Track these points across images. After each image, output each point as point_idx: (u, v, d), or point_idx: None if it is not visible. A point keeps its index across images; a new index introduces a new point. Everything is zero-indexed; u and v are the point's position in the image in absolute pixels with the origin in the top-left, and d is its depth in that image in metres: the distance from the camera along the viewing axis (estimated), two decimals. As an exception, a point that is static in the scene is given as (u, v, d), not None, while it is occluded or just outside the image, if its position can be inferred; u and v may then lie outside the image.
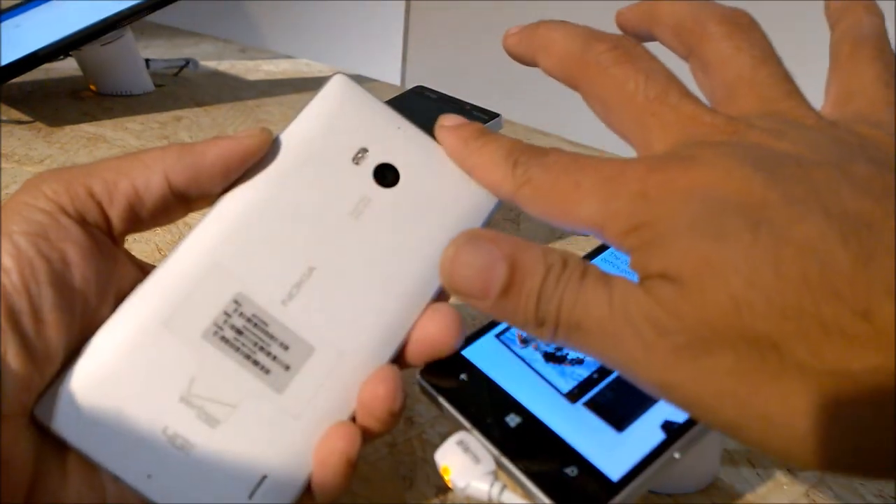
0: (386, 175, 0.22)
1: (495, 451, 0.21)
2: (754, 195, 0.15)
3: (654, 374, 0.16)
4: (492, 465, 0.21)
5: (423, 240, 0.22)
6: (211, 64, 0.85)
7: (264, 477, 0.20)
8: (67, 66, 0.73)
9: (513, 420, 0.22)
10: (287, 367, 0.20)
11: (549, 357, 0.25)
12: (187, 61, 0.79)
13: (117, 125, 0.63)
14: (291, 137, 0.22)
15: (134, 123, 0.63)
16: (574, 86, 0.21)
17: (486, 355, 0.25)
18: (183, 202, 0.22)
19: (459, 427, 0.22)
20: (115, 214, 0.21)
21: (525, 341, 0.25)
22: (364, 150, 0.22)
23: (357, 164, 0.22)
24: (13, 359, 0.18)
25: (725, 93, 0.20)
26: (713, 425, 0.15)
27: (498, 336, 0.25)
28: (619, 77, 0.19)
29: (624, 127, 0.20)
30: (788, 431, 0.14)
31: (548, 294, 0.17)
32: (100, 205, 0.21)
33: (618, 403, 0.23)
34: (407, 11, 0.84)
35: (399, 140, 0.23)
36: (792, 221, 0.14)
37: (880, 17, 0.22)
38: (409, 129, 0.23)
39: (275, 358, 0.20)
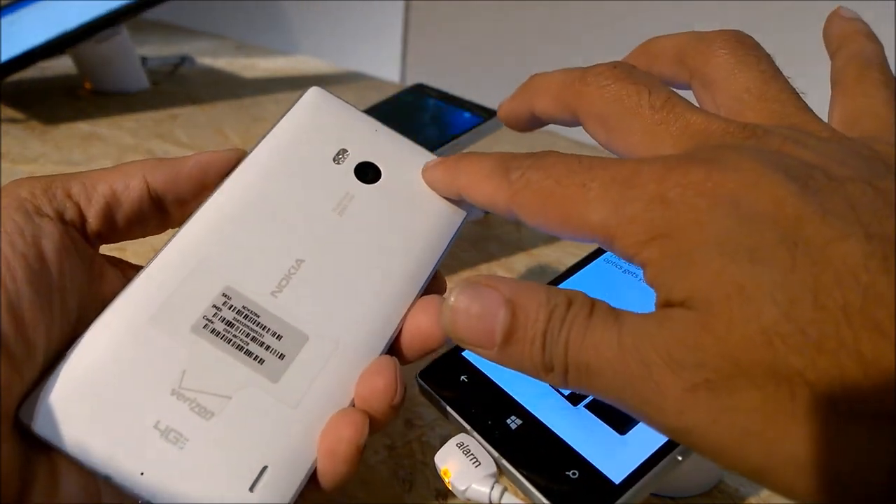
0: (367, 173, 0.23)
1: (496, 454, 0.21)
2: (787, 207, 0.14)
3: (669, 416, 0.14)
4: (492, 468, 0.21)
5: (407, 231, 0.22)
6: (207, 61, 0.85)
7: (265, 468, 0.19)
8: (62, 64, 0.73)
9: (514, 422, 0.22)
10: (281, 356, 0.20)
11: (551, 358, 0.24)
12: (183, 59, 0.78)
13: (112, 123, 0.62)
14: (271, 142, 0.23)
15: (129, 121, 0.63)
16: (573, 113, 0.20)
17: (487, 356, 0.24)
18: (159, 211, 0.22)
19: (460, 429, 0.22)
20: (93, 215, 0.21)
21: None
22: (344, 151, 0.23)
23: (338, 163, 0.23)
24: None
25: (734, 106, 0.19)
26: (737, 470, 0.14)
27: (498, 337, 0.25)
28: (620, 92, 0.19)
29: (630, 143, 0.18)
30: (821, 477, 0.13)
31: (553, 336, 0.16)
32: (77, 205, 0.21)
33: (620, 405, 0.23)
34: (406, 7, 0.84)
35: (377, 141, 0.24)
36: (830, 240, 0.13)
37: (881, 45, 0.21)
38: (386, 132, 0.24)
39: (268, 348, 0.20)
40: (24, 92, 0.68)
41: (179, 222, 0.22)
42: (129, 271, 0.23)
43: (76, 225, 0.21)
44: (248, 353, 0.20)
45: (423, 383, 0.23)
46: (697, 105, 0.20)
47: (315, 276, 0.21)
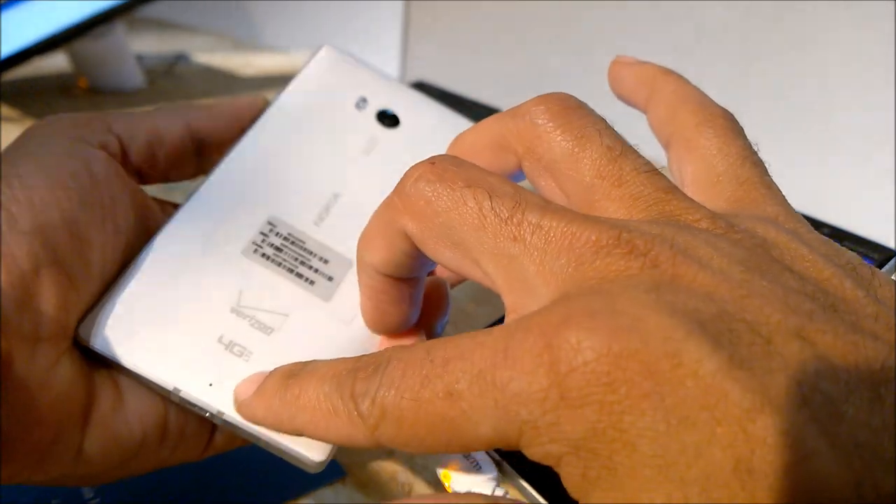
0: (387, 119, 0.25)
1: (497, 457, 0.21)
2: (724, 401, 0.11)
3: None
4: (493, 472, 0.21)
5: None
6: (204, 59, 0.84)
7: None
8: (57, 62, 0.72)
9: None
10: (330, 278, 0.21)
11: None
12: (179, 56, 0.78)
13: (109, 121, 0.62)
14: (294, 91, 0.25)
15: (126, 120, 0.63)
16: (409, 242, 0.16)
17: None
18: (198, 152, 0.23)
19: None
20: (135, 150, 0.21)
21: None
22: (364, 100, 0.25)
23: (360, 109, 0.25)
24: (47, 276, 0.17)
25: (588, 197, 0.15)
26: None
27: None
28: (453, 198, 0.14)
29: (486, 273, 0.15)
30: None
31: None
32: (119, 139, 0.21)
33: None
34: (406, 5, 0.84)
35: (391, 92, 0.26)
36: (790, 464, 0.10)
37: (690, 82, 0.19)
38: (397, 84, 0.27)
39: (316, 271, 0.21)
40: (18, 90, 0.67)
41: (212, 163, 0.23)
42: (168, 208, 0.23)
43: (118, 158, 0.21)
44: (299, 276, 0.21)
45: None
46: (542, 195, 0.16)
47: (352, 208, 0.23)
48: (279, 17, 0.96)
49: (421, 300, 0.19)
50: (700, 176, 0.17)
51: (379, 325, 0.19)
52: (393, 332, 0.19)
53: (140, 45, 0.82)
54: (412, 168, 0.16)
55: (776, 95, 0.55)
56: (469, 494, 0.14)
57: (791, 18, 0.53)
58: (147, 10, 0.66)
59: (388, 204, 0.16)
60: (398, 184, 0.16)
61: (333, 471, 0.27)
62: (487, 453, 0.21)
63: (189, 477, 0.26)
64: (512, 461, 0.20)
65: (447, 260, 0.15)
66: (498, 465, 0.21)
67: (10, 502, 0.24)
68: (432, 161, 0.15)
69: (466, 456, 0.21)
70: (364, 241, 0.18)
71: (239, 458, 0.27)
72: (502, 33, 0.75)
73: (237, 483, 0.27)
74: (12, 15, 0.63)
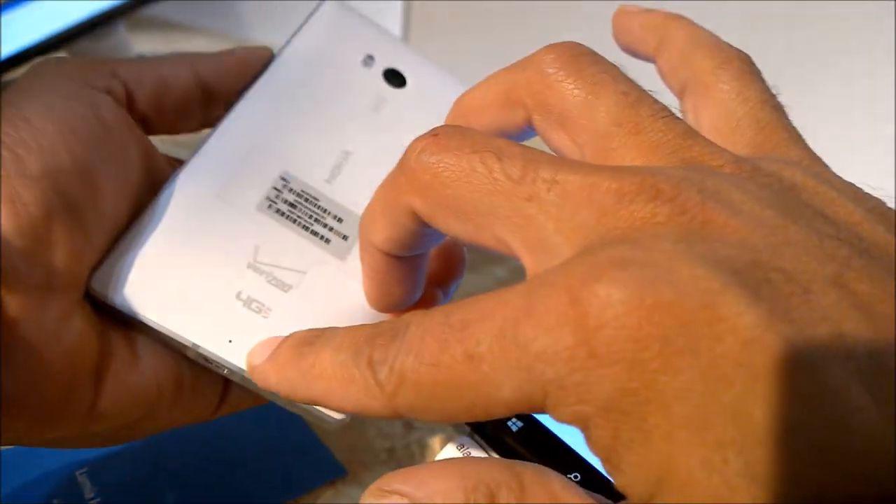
0: (394, 78, 0.24)
1: (496, 457, 0.21)
2: (767, 356, 0.10)
3: None
4: (493, 471, 0.21)
5: None
6: (204, 59, 0.84)
7: None
8: (58, 62, 0.73)
9: (514, 424, 0.22)
10: (345, 237, 0.21)
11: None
12: (180, 57, 0.78)
13: (109, 122, 0.62)
14: (299, 47, 0.24)
15: (126, 120, 0.63)
16: (416, 219, 0.15)
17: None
18: (205, 102, 0.22)
19: (460, 431, 0.22)
20: (142, 97, 0.20)
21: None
22: (371, 57, 0.24)
23: (367, 67, 0.24)
24: (59, 224, 0.16)
25: (604, 145, 0.15)
26: None
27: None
28: (460, 166, 0.14)
29: (501, 238, 0.14)
30: None
31: None
32: (126, 85, 0.20)
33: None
34: (406, 4, 0.84)
35: (398, 51, 0.25)
36: (843, 415, 0.10)
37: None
38: (403, 44, 0.26)
39: (331, 229, 0.21)
40: (19, 90, 0.68)
41: (218, 112, 0.22)
42: (173, 162, 0.22)
43: (124, 105, 0.20)
44: (314, 233, 0.21)
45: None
46: (552, 149, 0.16)
47: (364, 167, 0.22)
48: (279, 17, 0.96)
49: (424, 279, 0.19)
50: (719, 121, 0.16)
51: (382, 305, 0.19)
52: (396, 310, 0.19)
53: (141, 45, 0.82)
54: (414, 142, 0.15)
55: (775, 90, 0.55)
56: (516, 462, 0.14)
57: (788, 21, 0.53)
58: (148, 10, 0.66)
59: (391, 181, 0.16)
60: (401, 160, 0.15)
61: (334, 470, 0.28)
62: (486, 452, 0.21)
63: (190, 477, 0.26)
64: (511, 459, 0.21)
65: (460, 232, 0.15)
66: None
67: (11, 502, 0.25)
68: (434, 133, 0.15)
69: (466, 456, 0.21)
70: (367, 220, 0.17)
71: (240, 458, 0.27)
72: (503, 33, 0.75)
73: (238, 483, 0.27)
74: (13, 16, 0.63)
